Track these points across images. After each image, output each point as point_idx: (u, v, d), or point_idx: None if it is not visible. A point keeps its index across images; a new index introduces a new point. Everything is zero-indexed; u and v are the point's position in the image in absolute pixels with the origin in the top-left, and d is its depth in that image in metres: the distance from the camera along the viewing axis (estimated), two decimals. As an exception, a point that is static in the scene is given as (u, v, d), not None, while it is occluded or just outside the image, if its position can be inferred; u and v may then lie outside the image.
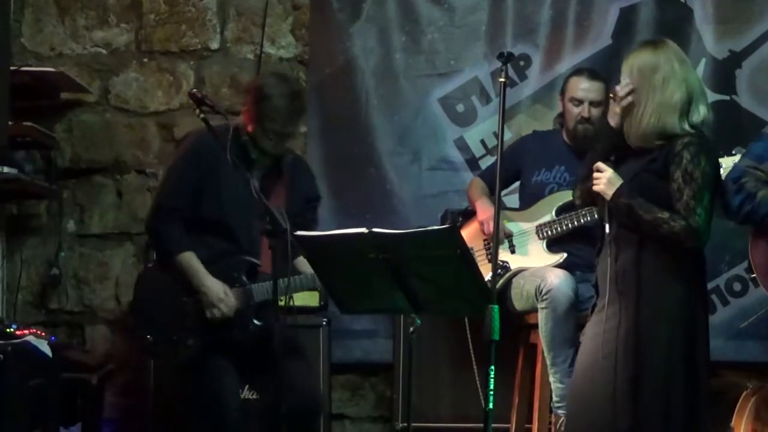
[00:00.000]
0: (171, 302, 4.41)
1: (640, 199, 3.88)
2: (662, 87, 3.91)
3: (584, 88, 5.05)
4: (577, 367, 4.09)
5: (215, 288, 4.36)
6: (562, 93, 5.17)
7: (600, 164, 4.02)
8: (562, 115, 5.22)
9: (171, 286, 4.41)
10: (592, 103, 5.03)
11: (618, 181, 3.94)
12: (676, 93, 3.92)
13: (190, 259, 4.39)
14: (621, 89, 3.97)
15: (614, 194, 3.93)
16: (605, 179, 3.97)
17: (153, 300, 4.46)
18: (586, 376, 3.97)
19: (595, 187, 4.00)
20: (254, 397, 4.82)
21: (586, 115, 5.03)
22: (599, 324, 3.97)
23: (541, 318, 4.75)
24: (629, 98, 3.94)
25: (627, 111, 3.95)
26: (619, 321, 3.90)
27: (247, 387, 5.00)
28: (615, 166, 4.01)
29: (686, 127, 3.92)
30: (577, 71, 5.23)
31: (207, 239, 4.44)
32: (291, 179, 4.52)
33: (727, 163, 4.27)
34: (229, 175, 4.35)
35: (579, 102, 5.05)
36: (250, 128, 4.40)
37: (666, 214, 3.85)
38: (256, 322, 4.39)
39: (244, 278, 4.42)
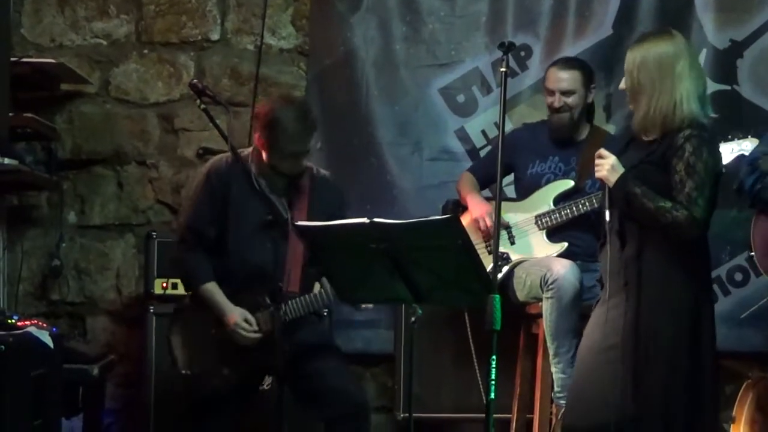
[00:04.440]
0: (204, 334, 4.49)
1: (643, 187, 3.88)
2: (689, 74, 3.91)
3: (554, 78, 5.06)
4: (578, 358, 4.09)
5: (233, 316, 4.44)
6: None
7: (602, 151, 4.02)
8: None
9: (205, 318, 4.49)
10: (564, 93, 5.02)
11: (621, 168, 3.94)
12: (700, 81, 3.94)
13: (212, 290, 4.48)
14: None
15: (617, 181, 3.92)
16: (608, 165, 3.96)
17: (186, 335, 4.54)
18: (588, 367, 3.97)
19: (597, 174, 3.99)
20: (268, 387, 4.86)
21: (555, 105, 5.03)
22: (602, 315, 3.97)
23: (546, 308, 4.74)
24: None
25: (637, 101, 3.94)
26: (622, 312, 3.90)
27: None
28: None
29: (710, 113, 3.95)
30: (554, 62, 5.23)
31: (230, 267, 4.51)
32: (311, 197, 4.57)
33: (731, 149, 4.29)
34: (244, 200, 4.46)
35: (551, 92, 5.06)
36: (265, 155, 4.47)
37: (669, 204, 3.85)
38: (283, 340, 4.31)
39: (268, 301, 4.44)
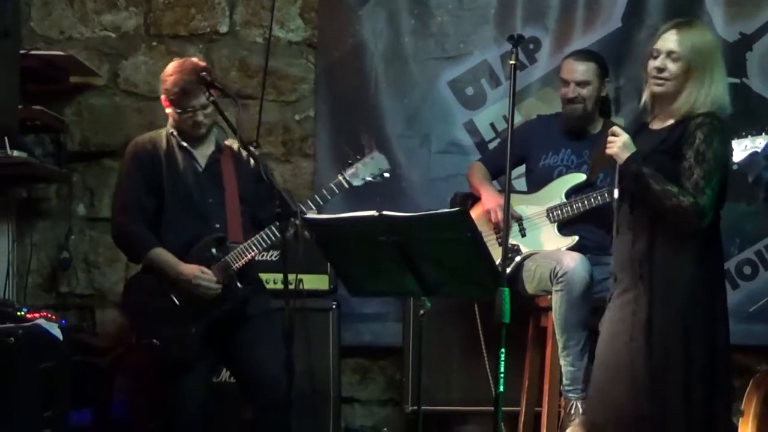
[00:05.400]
0: (162, 301, 4.55)
1: (652, 169, 3.87)
2: (723, 66, 3.94)
3: (569, 69, 5.07)
4: (597, 354, 4.08)
5: (190, 270, 4.52)
6: None
7: (616, 128, 4.02)
8: None
9: (157, 286, 4.56)
10: (578, 84, 5.03)
11: (632, 148, 3.93)
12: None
13: (161, 253, 4.57)
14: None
15: (627, 159, 3.92)
16: (620, 143, 3.96)
17: (145, 305, 4.60)
18: (607, 362, 3.96)
19: (608, 150, 3.98)
20: (232, 380, 4.88)
21: (569, 95, 5.04)
22: (617, 310, 3.96)
23: (556, 301, 4.74)
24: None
25: (683, 85, 3.93)
26: (636, 307, 3.89)
27: (225, 369, 5.04)
28: None
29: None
30: (571, 53, 5.24)
31: (173, 232, 4.60)
32: (236, 168, 4.67)
33: (744, 146, 4.28)
34: (172, 166, 4.62)
35: (566, 83, 5.07)
36: (171, 119, 4.65)
37: (675, 188, 3.84)
38: (239, 285, 4.55)
39: (215, 252, 4.56)
